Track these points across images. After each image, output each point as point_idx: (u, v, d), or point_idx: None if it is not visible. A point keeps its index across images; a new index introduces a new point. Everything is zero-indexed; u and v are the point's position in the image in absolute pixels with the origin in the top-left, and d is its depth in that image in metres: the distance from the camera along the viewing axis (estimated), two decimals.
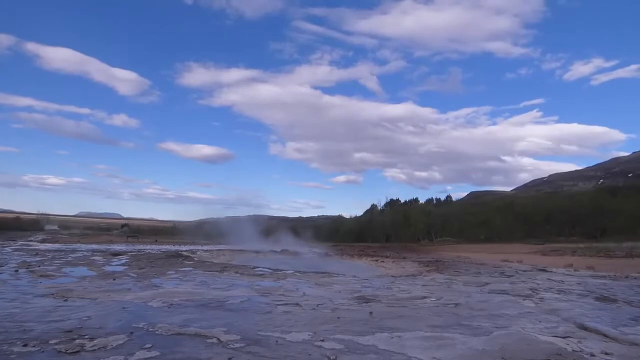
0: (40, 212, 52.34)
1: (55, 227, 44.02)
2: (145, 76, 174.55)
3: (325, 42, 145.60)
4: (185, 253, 17.75)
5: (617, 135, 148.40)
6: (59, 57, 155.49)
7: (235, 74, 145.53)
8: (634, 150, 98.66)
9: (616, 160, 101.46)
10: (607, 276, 11.97)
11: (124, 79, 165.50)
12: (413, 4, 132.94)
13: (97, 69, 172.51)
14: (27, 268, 10.43)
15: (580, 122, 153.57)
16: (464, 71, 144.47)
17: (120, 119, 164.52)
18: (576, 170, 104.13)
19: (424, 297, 7.66)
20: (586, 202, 40.73)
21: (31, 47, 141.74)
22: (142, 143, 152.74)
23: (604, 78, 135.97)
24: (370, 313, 6.04)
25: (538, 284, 9.92)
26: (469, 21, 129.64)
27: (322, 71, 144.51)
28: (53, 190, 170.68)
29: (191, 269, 11.61)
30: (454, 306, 6.82)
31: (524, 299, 7.66)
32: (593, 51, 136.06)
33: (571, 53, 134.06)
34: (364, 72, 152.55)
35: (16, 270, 9.84)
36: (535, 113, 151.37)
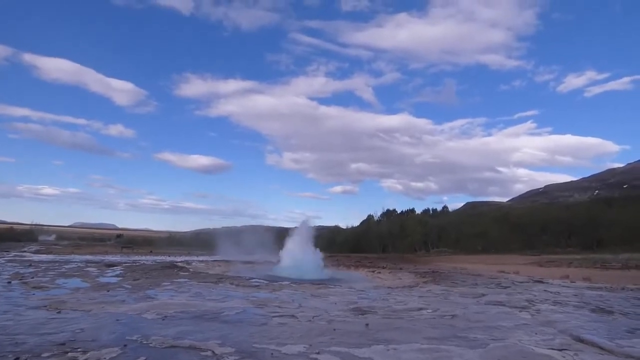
0: (35, 223, 51.88)
1: (52, 238, 43.49)
2: (142, 87, 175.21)
3: (321, 54, 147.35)
4: (180, 264, 17.60)
5: (611, 146, 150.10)
6: (56, 67, 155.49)
7: (232, 84, 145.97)
8: (629, 162, 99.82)
9: (611, 172, 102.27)
10: (603, 288, 11.99)
11: (121, 90, 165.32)
12: (407, 17, 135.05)
13: (93, 80, 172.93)
14: (20, 279, 10.31)
15: (574, 134, 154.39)
16: (459, 83, 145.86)
17: (116, 129, 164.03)
18: (572, 181, 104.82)
19: (421, 309, 7.63)
20: (582, 213, 40.92)
21: (28, 57, 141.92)
22: (138, 153, 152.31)
23: (597, 90, 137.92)
24: (367, 325, 6.01)
25: (534, 296, 9.91)
26: (463, 34, 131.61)
27: (318, 82, 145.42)
28: (48, 200, 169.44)
29: (186, 280, 11.52)
30: (451, 318, 6.80)
31: (520, 311, 7.65)
32: (586, 64, 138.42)
33: (564, 65, 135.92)
34: (360, 84, 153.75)
35: (9, 282, 9.72)
36: (529, 124, 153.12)
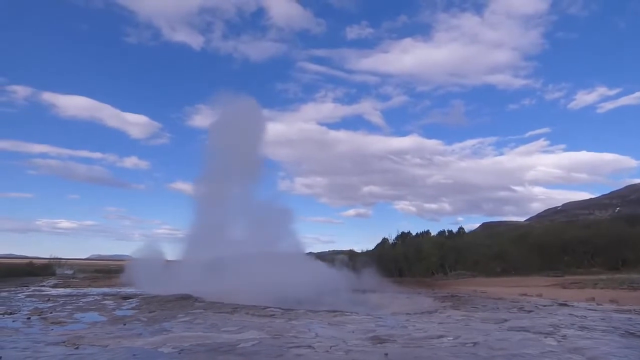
0: (53, 257, 52.56)
1: (72, 272, 43.86)
2: (156, 119, 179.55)
3: (329, 81, 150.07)
4: (195, 294, 17.52)
5: (628, 161, 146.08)
6: (74, 104, 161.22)
7: None
8: None
9: (631, 188, 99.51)
10: (632, 310, 11.46)
11: (136, 123, 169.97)
12: (412, 42, 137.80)
13: (109, 115, 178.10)
14: (39, 315, 10.41)
15: (589, 150, 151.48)
16: (467, 103, 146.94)
17: (131, 162, 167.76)
18: (591, 199, 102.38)
19: (441, 336, 7.42)
20: (605, 231, 39.58)
21: (47, 96, 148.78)
22: (152, 184, 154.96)
23: (609, 106, 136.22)
24: (386, 354, 5.87)
25: (559, 320, 9.53)
26: (468, 56, 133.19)
27: (327, 108, 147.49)
28: (65, 234, 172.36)
29: (202, 310, 11.45)
30: (472, 346, 6.58)
31: (545, 337, 7.36)
32: (596, 80, 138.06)
33: (573, 83, 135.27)
34: (368, 108, 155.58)
35: (28, 318, 9.82)
36: (542, 142, 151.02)
